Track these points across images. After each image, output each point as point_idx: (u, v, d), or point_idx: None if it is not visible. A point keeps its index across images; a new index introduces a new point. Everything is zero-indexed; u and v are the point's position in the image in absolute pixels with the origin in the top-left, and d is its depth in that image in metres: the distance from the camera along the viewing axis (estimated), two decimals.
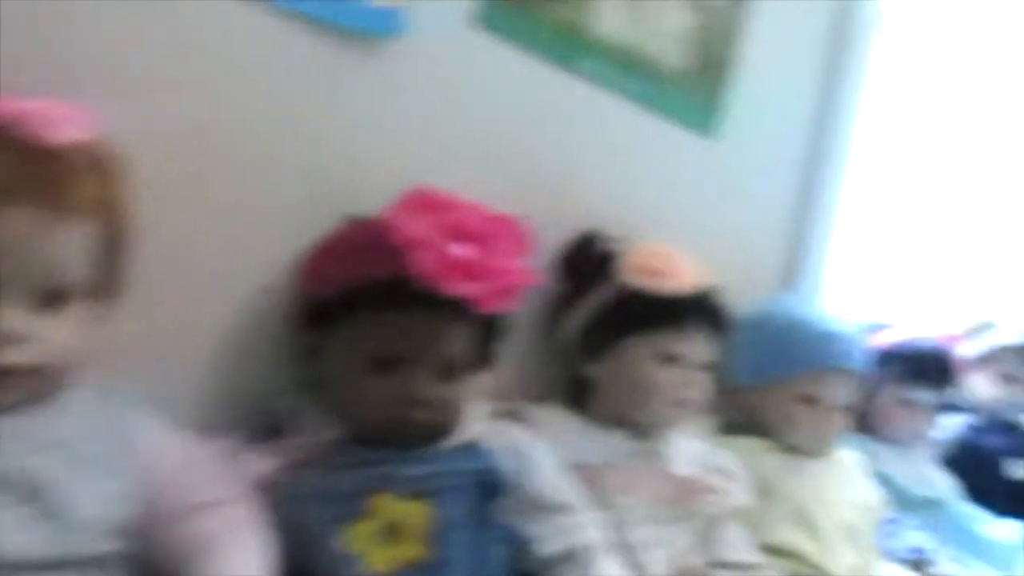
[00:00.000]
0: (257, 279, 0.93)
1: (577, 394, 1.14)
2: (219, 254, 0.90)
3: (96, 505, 0.67)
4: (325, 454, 0.83)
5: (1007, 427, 1.75)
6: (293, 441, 0.85)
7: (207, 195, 0.88)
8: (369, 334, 0.84)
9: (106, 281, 0.69)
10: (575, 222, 1.16)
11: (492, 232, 0.85)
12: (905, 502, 1.51)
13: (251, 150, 0.91)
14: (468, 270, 0.81)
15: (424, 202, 0.85)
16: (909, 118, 1.90)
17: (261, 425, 0.87)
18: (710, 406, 1.34)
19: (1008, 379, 1.74)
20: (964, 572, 1.39)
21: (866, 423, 1.56)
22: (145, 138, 0.77)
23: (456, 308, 0.82)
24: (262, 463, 0.83)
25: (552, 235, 1.15)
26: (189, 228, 0.87)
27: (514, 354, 1.17)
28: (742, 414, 1.36)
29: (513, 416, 1.06)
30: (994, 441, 1.73)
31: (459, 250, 0.82)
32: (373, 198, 0.88)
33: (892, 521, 1.40)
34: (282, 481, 0.81)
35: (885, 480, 1.48)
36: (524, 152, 1.16)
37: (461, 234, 0.84)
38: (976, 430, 1.73)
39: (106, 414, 0.71)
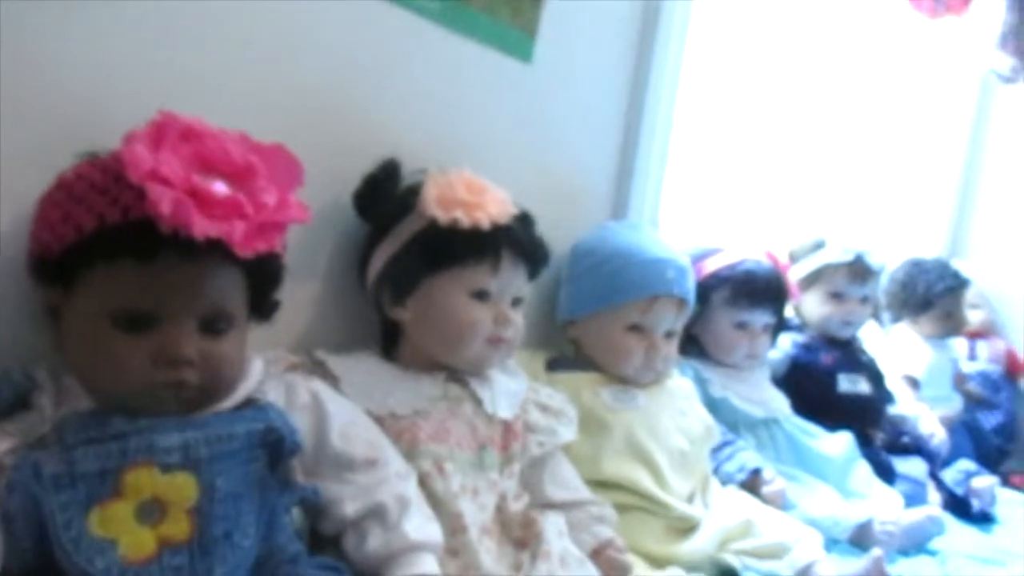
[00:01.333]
0: None
1: (387, 339, 1.06)
2: None
3: None
4: (68, 429, 0.71)
5: (837, 344, 1.80)
6: (28, 417, 0.73)
7: None
8: (111, 289, 0.72)
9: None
10: (377, 154, 1.07)
11: (250, 164, 0.74)
12: (742, 424, 1.52)
13: None
14: (220, 207, 0.71)
15: (169, 132, 0.73)
16: (738, 39, 1.89)
17: None
18: (538, 342, 1.30)
19: (836, 297, 1.78)
20: (795, 487, 1.41)
21: (701, 348, 1.55)
22: None
23: (213, 251, 0.72)
24: None
25: (352, 167, 1.05)
26: None
27: (319, 301, 1.09)
28: (571, 349, 1.33)
29: (313, 366, 0.97)
30: (825, 358, 1.76)
31: (207, 184, 0.71)
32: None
33: (726, 444, 1.41)
34: (16, 464, 0.69)
35: (721, 404, 1.49)
36: (314, 79, 1.05)
37: (212, 167, 0.73)
38: (807, 348, 1.76)
39: None
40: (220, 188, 0.72)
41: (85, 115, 0.84)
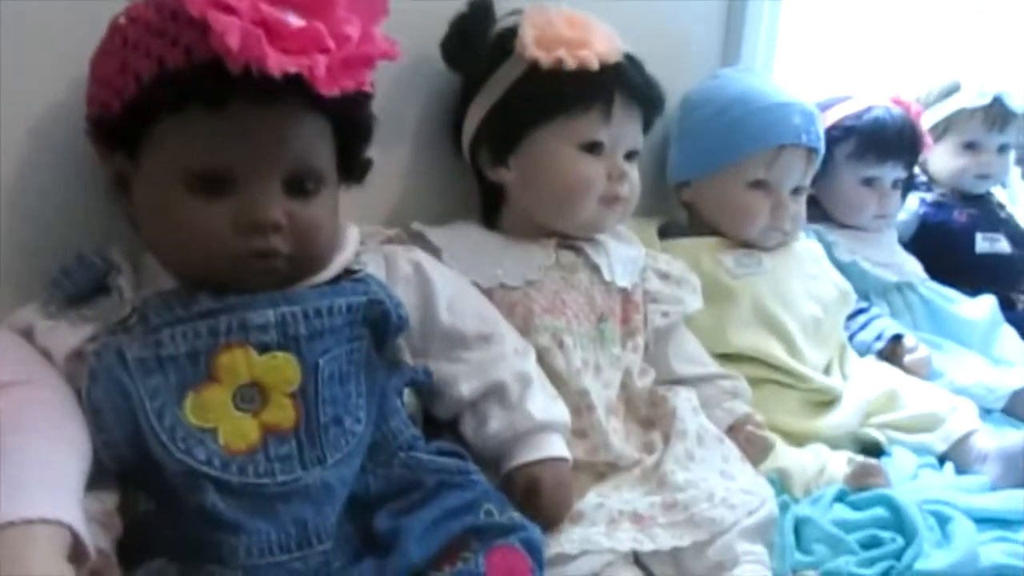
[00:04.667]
0: (45, 97, 0.71)
1: (489, 206, 0.96)
2: None
3: None
4: (151, 310, 0.63)
5: (971, 200, 1.62)
6: (107, 302, 0.65)
7: None
8: (180, 146, 0.62)
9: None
10: None
11: None
12: (874, 290, 1.39)
13: None
14: (295, 39, 0.59)
15: None
16: None
17: (72, 285, 0.67)
18: (644, 210, 1.17)
19: (970, 147, 1.58)
20: (939, 355, 1.28)
21: (823, 210, 1.41)
22: None
23: (292, 95, 0.61)
24: (69, 333, 0.64)
25: (436, 12, 0.92)
26: None
27: (410, 170, 0.99)
28: (684, 214, 1.20)
29: (411, 239, 0.88)
30: (960, 216, 1.59)
31: (279, 14, 0.60)
32: None
33: (860, 311, 1.28)
34: (97, 351, 0.62)
35: (850, 269, 1.36)
36: None
37: None
38: (938, 206, 1.59)
39: None
40: (294, 19, 0.61)
41: None
